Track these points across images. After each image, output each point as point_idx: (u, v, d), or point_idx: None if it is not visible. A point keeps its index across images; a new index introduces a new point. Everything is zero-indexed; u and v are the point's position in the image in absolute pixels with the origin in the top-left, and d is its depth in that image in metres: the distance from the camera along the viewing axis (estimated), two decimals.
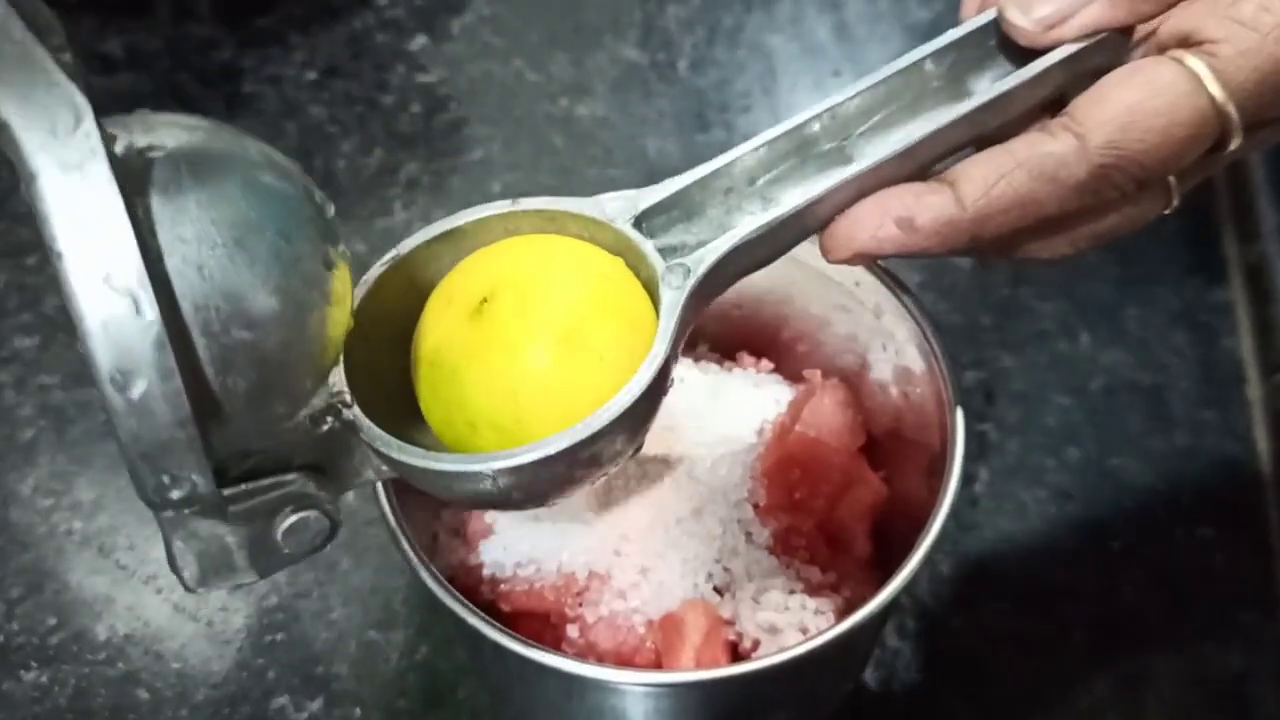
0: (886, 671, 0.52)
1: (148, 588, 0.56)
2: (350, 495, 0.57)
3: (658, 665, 0.44)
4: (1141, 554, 0.57)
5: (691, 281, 0.33)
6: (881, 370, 0.49)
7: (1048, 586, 0.56)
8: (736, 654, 0.45)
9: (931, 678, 0.53)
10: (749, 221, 0.34)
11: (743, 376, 0.52)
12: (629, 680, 0.38)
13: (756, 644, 0.44)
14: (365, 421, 0.32)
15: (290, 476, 0.31)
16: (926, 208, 0.33)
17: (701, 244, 0.34)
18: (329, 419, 0.32)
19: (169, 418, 0.27)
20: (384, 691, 0.52)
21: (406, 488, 0.36)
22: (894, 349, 0.47)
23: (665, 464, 0.47)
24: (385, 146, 0.72)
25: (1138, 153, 0.32)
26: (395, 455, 0.32)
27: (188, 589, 0.33)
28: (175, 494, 0.28)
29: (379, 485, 0.41)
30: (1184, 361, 0.63)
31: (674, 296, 0.33)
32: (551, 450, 0.31)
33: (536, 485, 0.32)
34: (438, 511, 0.50)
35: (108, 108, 0.78)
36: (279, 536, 0.32)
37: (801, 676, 0.40)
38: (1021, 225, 0.34)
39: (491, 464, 0.31)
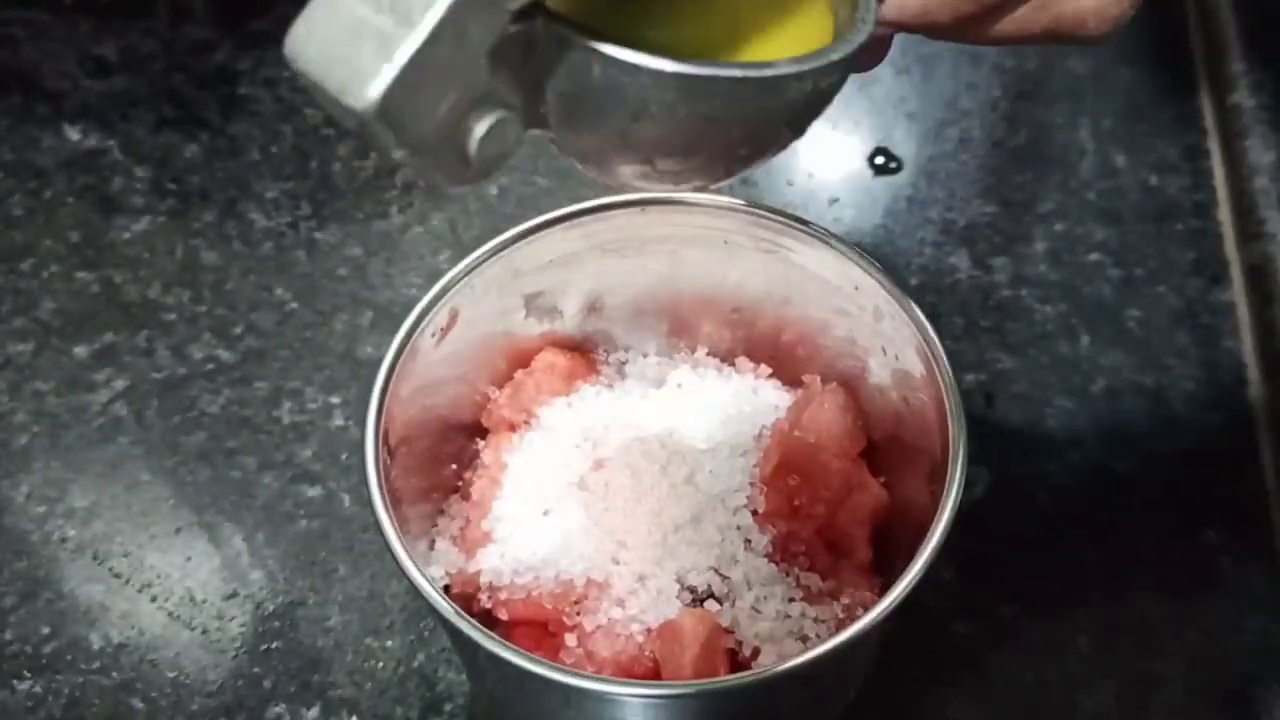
0: (889, 677, 0.51)
1: (142, 595, 0.55)
2: (346, 501, 0.58)
3: (656, 674, 0.43)
4: (1146, 558, 0.56)
5: None
6: (881, 374, 0.49)
7: (1051, 591, 0.55)
8: (736, 662, 0.44)
9: (935, 683, 0.52)
10: None
11: (741, 381, 0.52)
12: (627, 691, 0.37)
13: (756, 652, 0.43)
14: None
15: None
16: None
17: None
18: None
19: None
20: (381, 699, 0.52)
21: (399, 499, 0.36)
22: (894, 353, 0.47)
23: (663, 471, 0.47)
24: None
25: None
26: (622, 55, 0.29)
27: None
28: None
29: (374, 493, 0.41)
30: (1186, 363, 0.63)
31: None
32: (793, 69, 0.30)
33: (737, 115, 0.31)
34: (435, 519, 0.49)
35: (102, 110, 0.79)
36: (476, 143, 0.29)
37: (802, 686, 0.40)
38: None
39: (728, 69, 0.30)
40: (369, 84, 0.27)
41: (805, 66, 0.31)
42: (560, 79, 0.30)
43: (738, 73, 0.30)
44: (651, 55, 0.29)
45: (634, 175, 0.33)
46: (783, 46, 0.33)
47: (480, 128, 0.29)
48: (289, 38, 0.28)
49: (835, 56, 0.31)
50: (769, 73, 0.30)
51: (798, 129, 0.33)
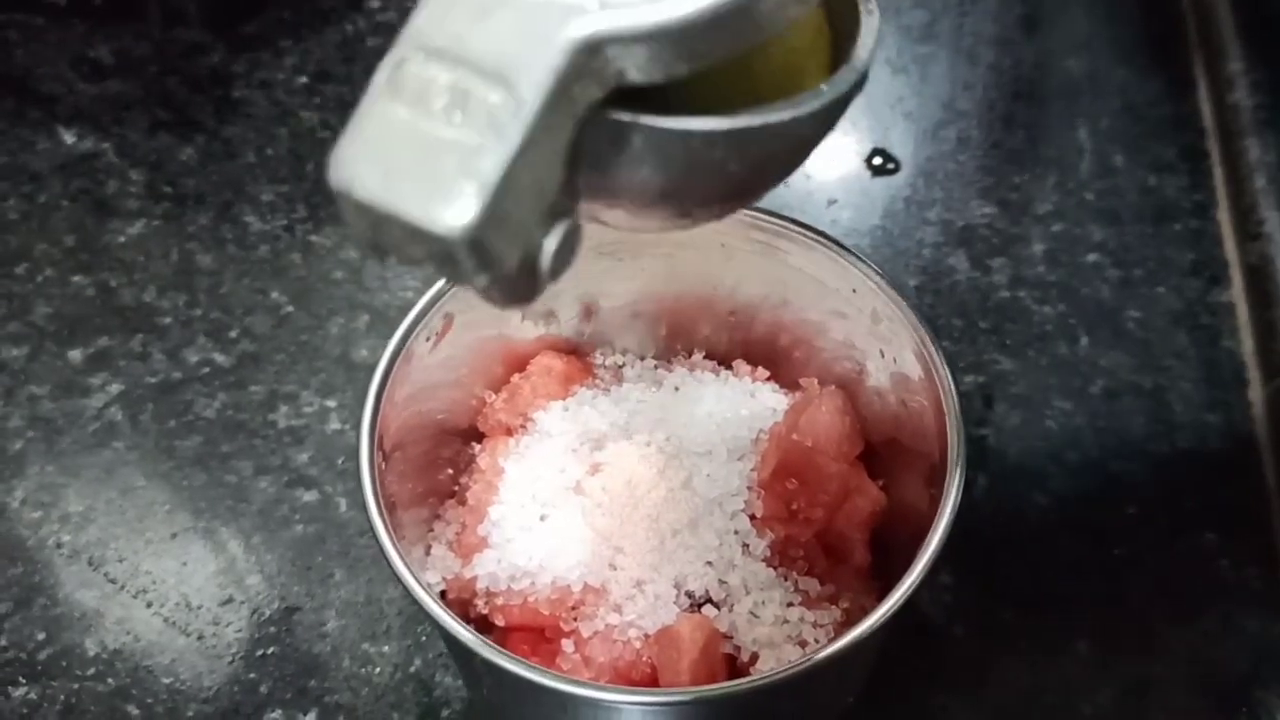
0: (888, 681, 0.51)
1: (138, 601, 0.55)
2: (343, 505, 0.57)
3: (654, 680, 0.43)
4: (1145, 559, 0.56)
5: None
6: (879, 377, 0.48)
7: (1050, 593, 0.55)
8: (734, 667, 0.44)
9: (933, 687, 0.52)
10: None
11: (739, 385, 0.51)
12: (623, 699, 0.37)
13: (755, 657, 0.43)
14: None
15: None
16: None
17: None
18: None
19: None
20: (378, 705, 0.52)
21: (395, 504, 0.35)
22: (892, 355, 0.47)
23: (660, 475, 0.46)
24: None
25: None
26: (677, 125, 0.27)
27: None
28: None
29: (369, 499, 0.41)
30: (1185, 364, 0.63)
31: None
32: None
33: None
34: (431, 524, 0.49)
35: (97, 113, 0.78)
36: (549, 258, 0.26)
37: (800, 692, 0.40)
38: None
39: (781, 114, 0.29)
40: (458, 206, 0.24)
41: (843, 88, 0.30)
42: (609, 159, 0.27)
43: (789, 114, 0.29)
44: (697, 117, 0.27)
45: (661, 226, 0.32)
46: (808, 71, 0.32)
47: (552, 241, 0.26)
48: (335, 167, 0.25)
49: (861, 64, 0.31)
50: (813, 106, 0.29)
51: (819, 143, 0.33)
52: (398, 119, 0.24)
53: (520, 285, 0.27)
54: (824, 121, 0.31)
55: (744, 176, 0.30)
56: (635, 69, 0.26)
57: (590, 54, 0.25)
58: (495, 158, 0.24)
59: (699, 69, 0.26)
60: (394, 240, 0.25)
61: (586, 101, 0.25)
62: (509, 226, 0.25)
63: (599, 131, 0.26)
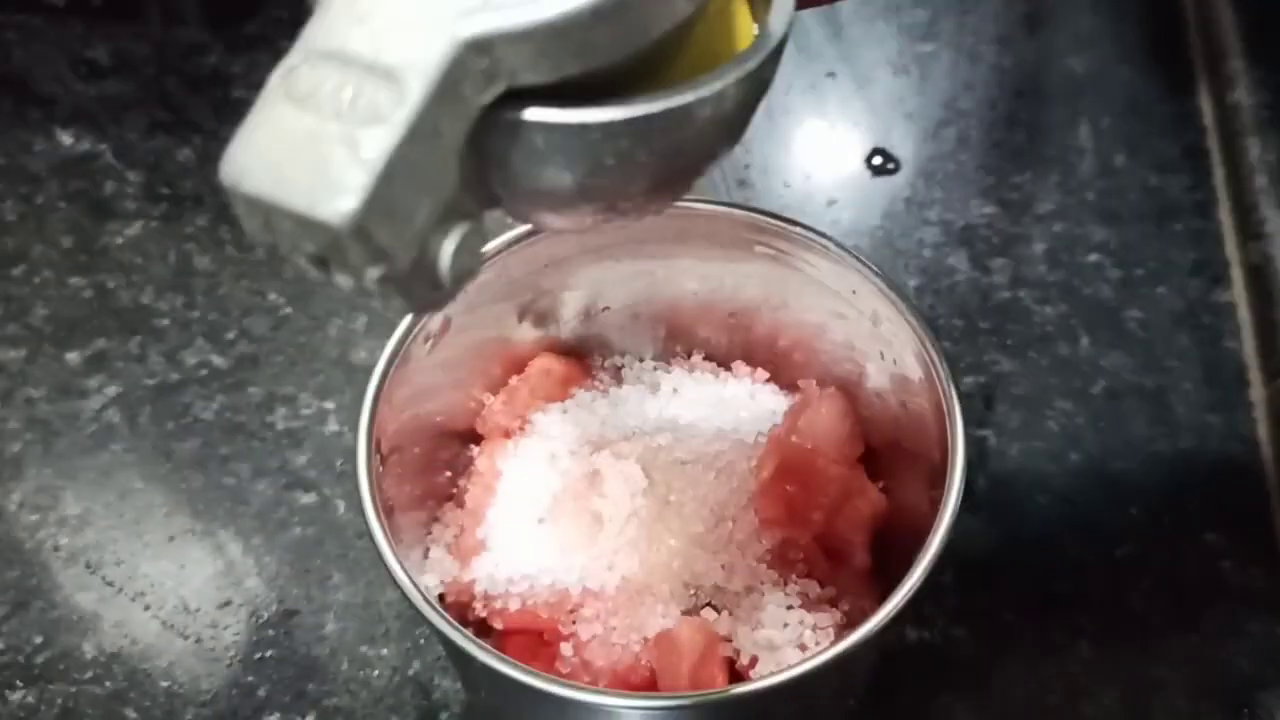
0: (889, 684, 0.51)
1: (135, 604, 0.55)
2: (341, 508, 0.57)
3: (653, 684, 0.43)
4: (1147, 561, 0.56)
5: None
6: (879, 379, 0.48)
7: (1052, 594, 0.55)
8: (734, 671, 0.44)
9: (935, 690, 0.52)
10: None
11: (738, 387, 0.51)
12: (622, 703, 0.37)
13: (754, 661, 0.43)
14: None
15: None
16: None
17: None
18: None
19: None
20: (376, 708, 0.52)
21: (393, 506, 0.35)
22: (892, 357, 0.46)
23: (659, 478, 0.46)
24: None
25: None
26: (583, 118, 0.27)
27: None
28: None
29: (367, 501, 0.40)
30: (1186, 364, 0.62)
31: None
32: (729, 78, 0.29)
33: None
34: (429, 526, 0.49)
35: (95, 114, 0.78)
36: (448, 259, 0.26)
37: (800, 695, 0.39)
38: None
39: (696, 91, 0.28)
40: (344, 192, 0.24)
41: (751, 64, 0.29)
42: (513, 159, 0.28)
43: (690, 96, 0.28)
44: (592, 108, 0.27)
45: (593, 223, 0.31)
46: (720, 51, 0.31)
47: (450, 242, 0.27)
48: (226, 164, 0.25)
49: (773, 37, 0.30)
50: (715, 86, 0.28)
51: (744, 127, 0.32)
52: (287, 118, 0.25)
53: (420, 287, 0.27)
54: (739, 100, 0.29)
55: (662, 165, 0.29)
56: (525, 69, 0.26)
57: (476, 51, 0.25)
58: (379, 146, 0.24)
59: (594, 67, 0.26)
60: (286, 234, 0.25)
61: (480, 101, 0.26)
62: (397, 218, 0.25)
63: (498, 131, 0.27)
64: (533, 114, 0.27)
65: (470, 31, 0.25)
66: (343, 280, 0.26)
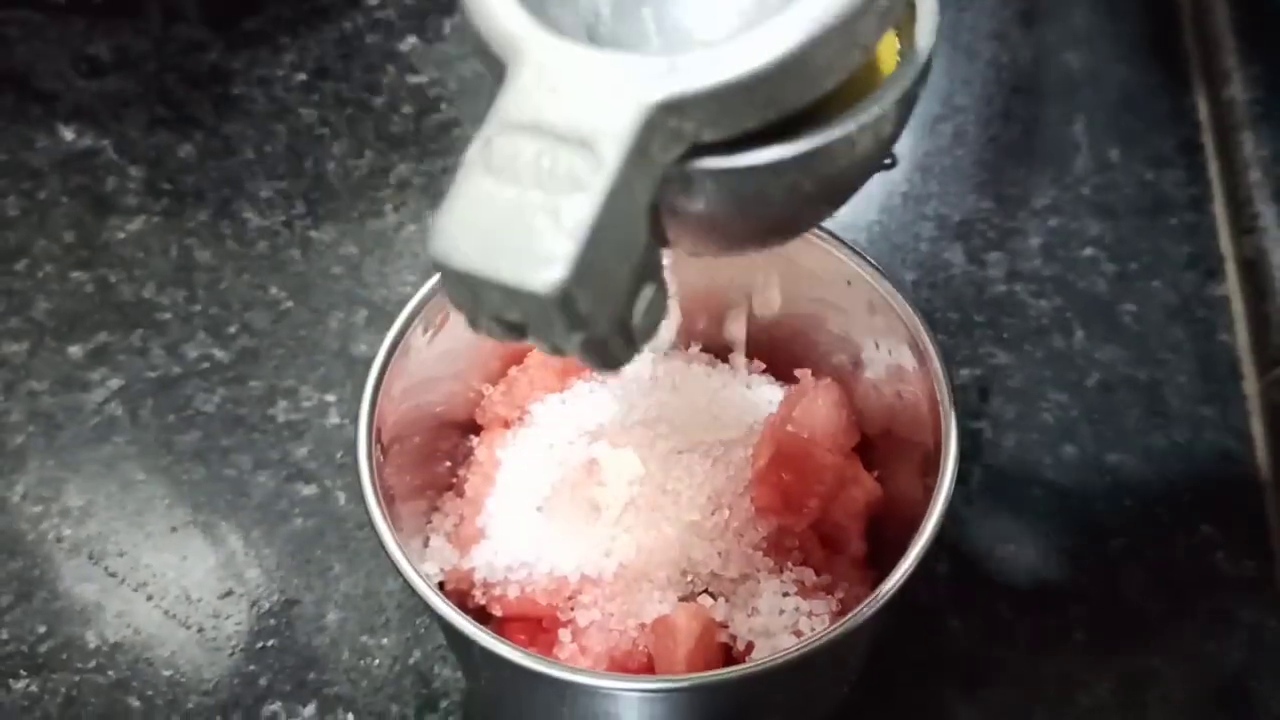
0: (885, 672, 0.51)
1: (138, 595, 0.55)
2: (341, 499, 0.58)
3: (650, 669, 0.43)
4: (1141, 552, 0.56)
5: None
6: (875, 369, 0.49)
7: (1047, 585, 0.55)
8: (730, 657, 0.44)
9: (930, 678, 0.53)
10: None
11: (735, 377, 0.52)
12: (621, 686, 0.37)
13: (750, 647, 0.43)
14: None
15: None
16: None
17: None
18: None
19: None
20: (377, 696, 0.52)
21: (393, 496, 0.35)
22: (887, 347, 0.47)
23: (656, 466, 0.47)
24: (376, 148, 0.72)
25: None
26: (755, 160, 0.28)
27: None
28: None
29: (368, 491, 0.41)
30: (1180, 357, 0.63)
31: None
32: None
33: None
34: (429, 516, 0.49)
35: (96, 110, 0.78)
36: (640, 317, 0.27)
37: (795, 679, 0.40)
38: None
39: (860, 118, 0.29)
40: (552, 262, 0.24)
41: (904, 85, 0.30)
42: (688, 206, 0.28)
43: (852, 126, 0.29)
44: (760, 150, 0.28)
45: (756, 248, 0.33)
46: (871, 74, 0.31)
47: (643, 302, 0.27)
48: (435, 239, 0.25)
49: (921, 56, 0.30)
50: (874, 112, 0.29)
51: (895, 142, 0.32)
52: (488, 190, 0.25)
53: (615, 347, 0.27)
54: (894, 121, 0.30)
55: (824, 192, 0.30)
56: (709, 126, 0.26)
57: (665, 114, 0.26)
58: (582, 214, 0.25)
59: (772, 119, 0.27)
60: (493, 306, 0.26)
61: (666, 160, 0.27)
62: (598, 283, 0.25)
63: (675, 183, 0.28)
64: (704, 163, 0.27)
65: (659, 96, 0.25)
66: (540, 345, 0.27)
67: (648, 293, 0.27)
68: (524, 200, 0.25)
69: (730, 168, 0.28)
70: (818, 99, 0.28)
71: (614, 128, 0.25)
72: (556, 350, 0.27)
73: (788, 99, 0.27)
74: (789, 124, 0.28)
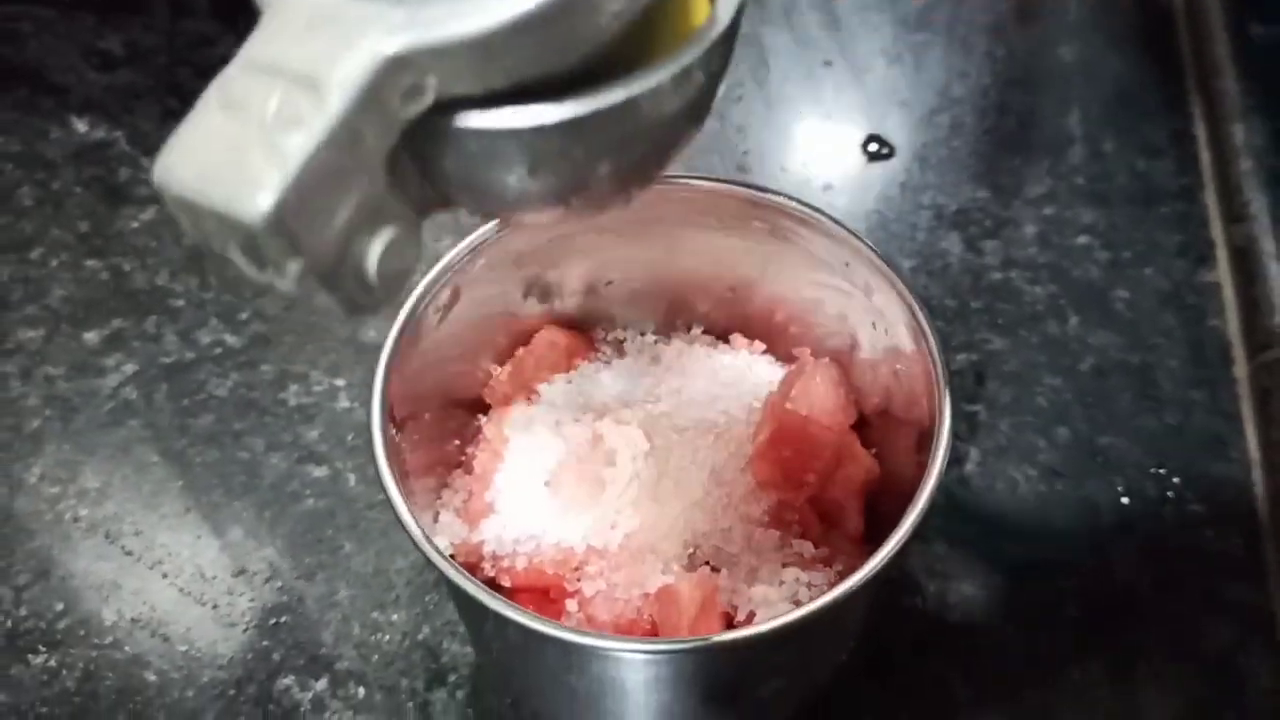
0: (882, 647, 0.53)
1: (154, 573, 0.56)
2: (352, 480, 0.59)
3: (654, 636, 0.44)
4: (1132, 531, 0.57)
5: None
6: (872, 349, 0.50)
7: (1040, 563, 0.56)
8: (731, 626, 0.45)
9: (926, 652, 0.54)
10: None
11: (736, 358, 0.53)
12: (627, 648, 0.39)
13: (751, 616, 0.45)
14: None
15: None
16: None
17: None
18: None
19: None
20: (387, 671, 0.53)
21: (405, 472, 0.36)
22: (884, 328, 0.48)
23: (660, 443, 0.48)
24: None
25: None
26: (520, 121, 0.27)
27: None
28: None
29: (382, 466, 0.42)
30: (1172, 342, 0.64)
31: None
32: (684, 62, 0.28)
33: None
34: (439, 492, 0.50)
35: (106, 103, 0.79)
36: (375, 259, 0.28)
37: (794, 644, 0.41)
38: None
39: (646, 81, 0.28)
40: (261, 190, 0.25)
41: (687, 58, 0.29)
42: (448, 163, 0.28)
43: (621, 95, 0.28)
44: (520, 109, 0.27)
45: (555, 216, 0.32)
46: (666, 43, 0.29)
47: (378, 244, 0.28)
48: (156, 167, 0.26)
49: (716, 30, 0.29)
50: (650, 82, 0.28)
51: (699, 115, 0.31)
52: (217, 124, 0.26)
53: (348, 286, 0.28)
54: (681, 94, 0.29)
55: (610, 160, 0.29)
56: (452, 82, 0.27)
57: (398, 67, 0.26)
58: (296, 149, 0.25)
59: (521, 79, 0.27)
60: (211, 233, 0.26)
61: (407, 112, 0.27)
62: (315, 216, 0.26)
63: (432, 138, 0.28)
64: (461, 120, 0.27)
65: (393, 49, 0.26)
66: (272, 278, 0.27)
67: (385, 236, 0.28)
68: (245, 134, 0.26)
69: (484, 128, 0.27)
70: (586, 60, 0.27)
71: (341, 74, 0.26)
72: (281, 283, 0.27)
73: (530, 60, 0.27)
74: (577, 83, 0.27)
